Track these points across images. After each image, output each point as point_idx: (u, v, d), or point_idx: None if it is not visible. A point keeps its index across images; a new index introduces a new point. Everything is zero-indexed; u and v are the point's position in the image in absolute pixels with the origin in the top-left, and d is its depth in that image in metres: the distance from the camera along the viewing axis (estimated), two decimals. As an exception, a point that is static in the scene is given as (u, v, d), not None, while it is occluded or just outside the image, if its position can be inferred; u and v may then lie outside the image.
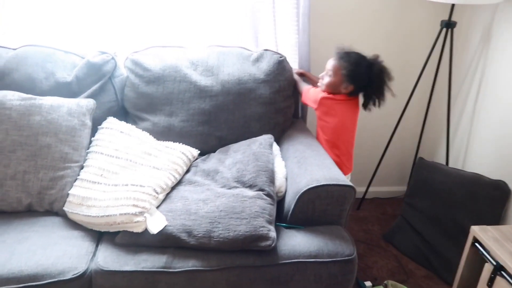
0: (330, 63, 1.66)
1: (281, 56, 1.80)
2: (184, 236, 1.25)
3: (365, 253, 2.00)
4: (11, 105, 1.48)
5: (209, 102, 1.72)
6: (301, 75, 1.92)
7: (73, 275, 1.18)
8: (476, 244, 1.46)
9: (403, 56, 2.16)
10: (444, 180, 1.89)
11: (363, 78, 1.61)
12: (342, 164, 1.72)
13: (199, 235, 1.25)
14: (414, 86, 2.06)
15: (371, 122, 2.29)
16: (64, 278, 1.17)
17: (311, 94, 1.73)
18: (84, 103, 1.59)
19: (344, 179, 1.40)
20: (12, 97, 1.51)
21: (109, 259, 1.23)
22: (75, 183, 1.45)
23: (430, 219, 1.93)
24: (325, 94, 1.67)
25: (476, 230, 1.45)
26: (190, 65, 1.76)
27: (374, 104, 1.68)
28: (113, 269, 1.20)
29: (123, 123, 1.65)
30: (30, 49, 1.69)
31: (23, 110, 1.49)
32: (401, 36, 2.12)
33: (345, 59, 1.62)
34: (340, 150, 1.72)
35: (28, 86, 1.62)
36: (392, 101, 2.23)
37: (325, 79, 1.67)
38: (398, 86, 2.21)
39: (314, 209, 1.39)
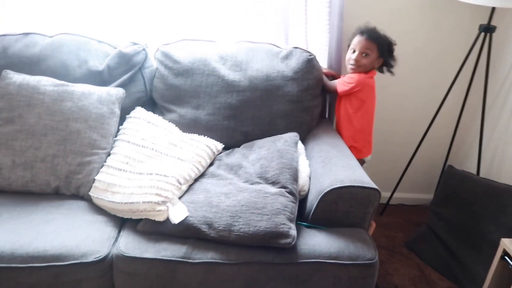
0: (364, 42, 1.70)
1: (311, 54, 1.78)
2: (204, 228, 1.25)
3: (387, 260, 1.95)
4: (45, 90, 1.53)
5: (236, 97, 1.72)
6: (331, 76, 1.90)
7: (95, 258, 1.20)
8: (506, 257, 1.40)
9: (437, 59, 2.09)
10: (473, 190, 1.82)
11: (389, 51, 1.74)
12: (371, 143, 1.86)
13: (219, 228, 1.25)
14: (448, 91, 2.00)
15: (400, 126, 2.24)
16: (87, 261, 1.19)
17: (348, 80, 1.74)
18: (114, 92, 1.62)
19: (369, 181, 1.36)
20: (46, 82, 1.55)
21: (131, 245, 1.24)
22: (101, 169, 1.47)
23: (456, 230, 1.86)
24: (364, 75, 1.73)
25: (506, 243, 1.39)
26: (219, 59, 1.76)
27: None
28: (134, 255, 1.21)
29: (150, 113, 1.67)
30: (65, 37, 1.74)
31: (55, 95, 1.53)
32: (436, 39, 2.05)
33: (378, 35, 1.71)
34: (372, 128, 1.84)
35: (62, 73, 1.66)
36: (424, 106, 2.18)
37: (363, 60, 1.71)
38: (430, 90, 2.16)
39: (337, 210, 1.36)
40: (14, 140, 1.48)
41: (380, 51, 1.71)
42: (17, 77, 1.55)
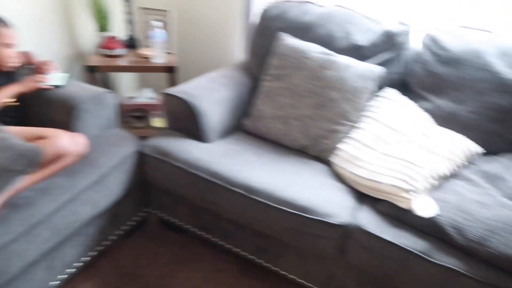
0: None
1: None
2: (452, 231, 1.16)
3: None
4: (312, 56, 1.64)
5: (509, 99, 1.49)
6: None
7: (337, 221, 1.27)
8: None
9: None
10: None
11: None
12: None
13: (470, 237, 1.14)
14: None
15: None
16: (329, 221, 1.27)
17: None
18: (375, 69, 1.62)
19: None
20: (314, 49, 1.66)
21: (371, 221, 1.26)
22: (346, 141, 1.52)
23: None
24: None
25: None
26: (497, 54, 1.55)
27: None
28: (373, 232, 1.23)
29: (404, 98, 1.62)
30: (336, 9, 1.81)
31: (320, 62, 1.62)
32: None
33: None
34: None
35: (327, 42, 1.74)
36: None
37: None
38: None
39: None
40: (278, 96, 1.66)
41: None
42: (290, 40, 1.71)
